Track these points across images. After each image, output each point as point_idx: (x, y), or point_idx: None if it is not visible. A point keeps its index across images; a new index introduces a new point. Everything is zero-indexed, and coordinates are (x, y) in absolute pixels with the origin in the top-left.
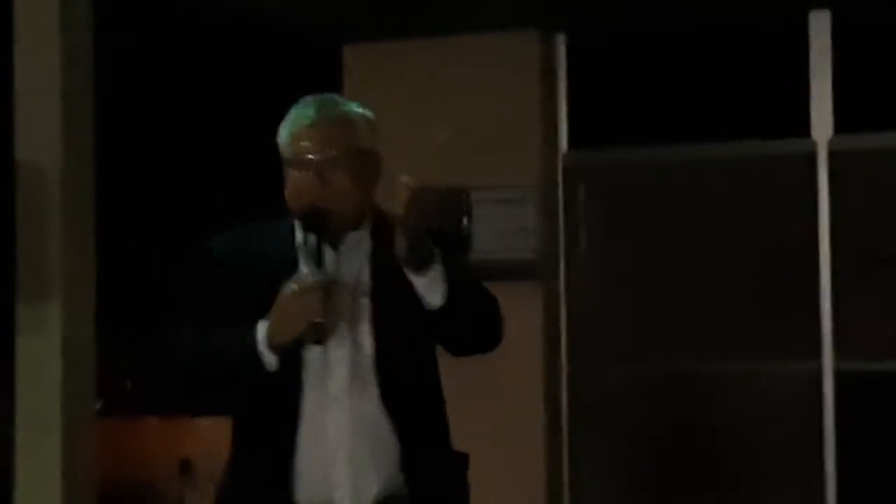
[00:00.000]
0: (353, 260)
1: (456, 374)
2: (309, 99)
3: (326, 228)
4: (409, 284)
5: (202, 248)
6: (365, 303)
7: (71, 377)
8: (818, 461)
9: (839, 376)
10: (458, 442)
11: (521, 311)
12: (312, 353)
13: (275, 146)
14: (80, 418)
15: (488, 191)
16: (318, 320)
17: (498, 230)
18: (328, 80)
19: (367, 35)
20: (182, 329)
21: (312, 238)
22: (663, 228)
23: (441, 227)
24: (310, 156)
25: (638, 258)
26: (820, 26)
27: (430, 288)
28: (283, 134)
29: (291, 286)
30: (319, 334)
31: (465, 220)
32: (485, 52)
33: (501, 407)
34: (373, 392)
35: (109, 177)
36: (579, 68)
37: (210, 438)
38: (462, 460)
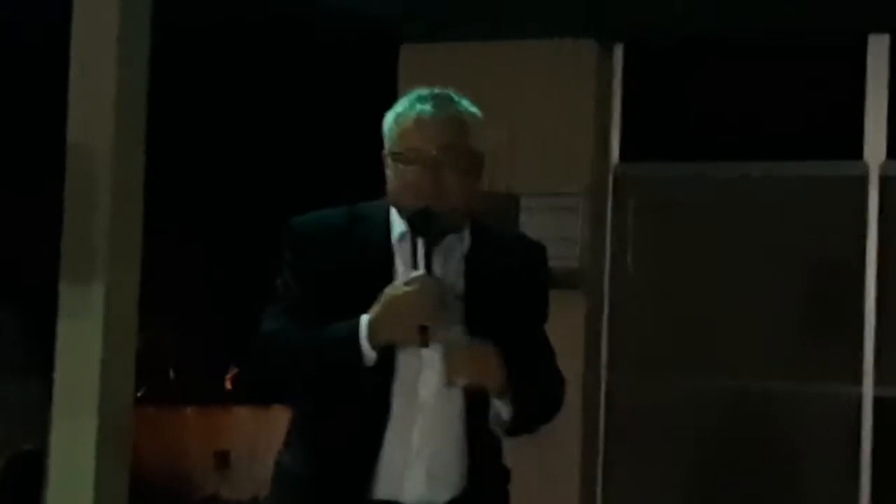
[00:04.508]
0: (449, 261)
1: None
2: (425, 92)
3: (435, 230)
4: (505, 289)
5: (283, 228)
6: (458, 305)
7: (111, 361)
8: (853, 486)
9: (879, 403)
10: None
11: (562, 320)
12: (406, 354)
13: (333, 136)
14: (119, 403)
15: (537, 198)
16: (427, 324)
17: (544, 237)
18: (383, 76)
19: (426, 35)
20: (268, 316)
21: (421, 241)
22: (710, 244)
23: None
24: (426, 150)
25: (683, 273)
26: (878, 50)
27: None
28: (394, 125)
29: (402, 286)
30: (426, 338)
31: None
32: (541, 59)
33: None
34: (459, 398)
35: (158, 167)
36: (635, 80)
37: (247, 431)
38: (508, 474)
